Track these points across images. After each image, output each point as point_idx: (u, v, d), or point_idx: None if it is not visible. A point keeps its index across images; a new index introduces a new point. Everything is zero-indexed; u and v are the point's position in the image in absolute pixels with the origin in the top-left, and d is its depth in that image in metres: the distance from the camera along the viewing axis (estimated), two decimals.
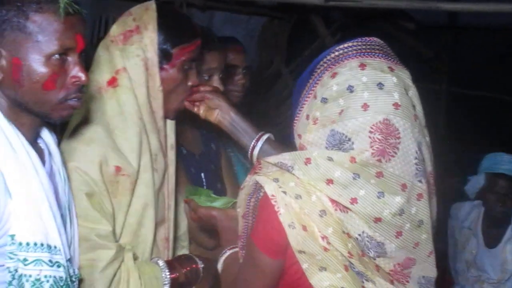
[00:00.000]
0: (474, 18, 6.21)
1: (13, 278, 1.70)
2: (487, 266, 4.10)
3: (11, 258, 1.70)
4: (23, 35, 1.68)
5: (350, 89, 1.85)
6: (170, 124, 2.37)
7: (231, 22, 5.73)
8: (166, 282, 2.23)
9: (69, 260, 1.84)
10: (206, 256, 2.48)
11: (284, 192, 1.87)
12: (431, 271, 2.02)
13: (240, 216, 2.13)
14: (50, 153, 1.90)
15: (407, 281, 1.98)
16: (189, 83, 2.30)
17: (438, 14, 6.21)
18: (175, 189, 2.40)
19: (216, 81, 2.59)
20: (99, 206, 2.11)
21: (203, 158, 2.75)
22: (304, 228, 1.87)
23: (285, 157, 1.93)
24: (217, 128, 2.51)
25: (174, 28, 2.24)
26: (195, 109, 2.45)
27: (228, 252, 2.25)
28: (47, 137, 1.90)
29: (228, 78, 3.01)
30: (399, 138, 1.82)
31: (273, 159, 1.98)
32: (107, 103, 2.19)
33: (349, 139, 1.82)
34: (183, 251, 2.50)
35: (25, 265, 1.70)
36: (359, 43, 1.95)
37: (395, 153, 1.82)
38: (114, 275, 2.11)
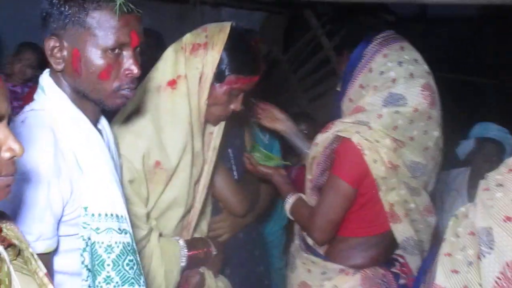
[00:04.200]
0: (442, 10, 6.27)
1: (87, 245, 1.71)
2: None
3: (84, 228, 1.70)
4: (83, 30, 1.67)
5: (400, 64, 2.35)
6: (218, 130, 2.38)
7: (236, 17, 5.73)
8: (184, 259, 2.30)
9: (132, 228, 1.84)
10: (236, 222, 2.66)
11: (366, 140, 2.32)
12: None
13: (315, 164, 2.50)
14: (107, 135, 1.90)
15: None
16: (232, 107, 2.29)
17: (412, 7, 6.31)
18: (209, 183, 2.43)
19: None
20: (138, 191, 2.14)
21: (229, 136, 2.72)
22: (383, 161, 2.32)
23: (360, 116, 2.37)
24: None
25: (237, 56, 2.22)
26: (260, 120, 2.82)
27: (292, 197, 2.60)
28: (103, 121, 1.90)
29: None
30: (435, 92, 2.37)
31: (350, 119, 2.40)
32: (162, 101, 2.20)
33: (404, 97, 2.32)
34: (201, 228, 2.52)
35: (98, 233, 1.71)
36: (390, 34, 2.46)
37: (436, 102, 2.37)
38: (140, 252, 2.11)
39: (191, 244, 2.33)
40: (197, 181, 2.34)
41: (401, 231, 2.43)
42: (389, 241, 2.45)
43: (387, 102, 2.34)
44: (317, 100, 6.04)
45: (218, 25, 2.25)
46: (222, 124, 2.37)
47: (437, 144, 2.44)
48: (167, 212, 2.26)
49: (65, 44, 1.69)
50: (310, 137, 3.61)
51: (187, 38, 2.24)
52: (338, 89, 2.55)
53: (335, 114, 2.56)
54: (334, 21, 6.22)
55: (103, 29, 1.67)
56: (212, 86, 2.21)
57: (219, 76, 2.21)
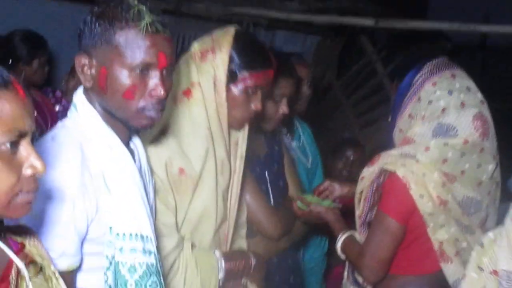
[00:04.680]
0: (502, 39, 6.09)
1: (111, 264, 1.69)
2: None
3: (109, 247, 1.69)
4: (111, 48, 1.66)
5: (450, 93, 2.25)
6: (243, 137, 2.35)
7: (290, 41, 5.72)
8: (221, 271, 2.24)
9: (157, 248, 1.81)
10: (270, 246, 2.61)
11: (412, 173, 2.22)
12: None
13: (363, 199, 2.42)
14: (139, 155, 1.87)
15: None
16: (252, 107, 2.25)
17: (472, 36, 6.13)
18: (240, 192, 2.38)
19: (284, 104, 2.59)
20: (164, 200, 2.10)
21: (267, 159, 2.72)
22: (430, 197, 2.22)
23: (407, 149, 2.28)
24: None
25: (245, 54, 2.21)
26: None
27: (344, 236, 2.51)
28: (135, 139, 1.88)
29: (296, 89, 3.05)
30: (488, 123, 2.26)
31: (397, 151, 2.33)
32: (180, 111, 2.19)
33: (454, 128, 2.23)
34: (240, 244, 2.46)
35: (122, 253, 1.70)
36: (441, 61, 2.34)
37: (489, 133, 2.26)
38: (174, 261, 2.10)
39: (229, 256, 2.29)
40: (227, 192, 2.31)
41: (452, 272, 2.29)
42: (441, 281, 2.32)
43: (435, 133, 2.25)
44: (369, 127, 5.95)
45: (223, 29, 2.25)
46: (246, 132, 2.34)
47: (492, 177, 2.32)
48: (200, 226, 2.22)
49: (94, 62, 1.68)
50: (355, 163, 3.57)
51: (195, 47, 2.25)
52: (390, 120, 2.47)
53: (388, 144, 2.49)
54: (390, 48, 6.16)
55: (130, 49, 1.65)
56: (227, 88, 2.19)
57: (232, 76, 2.19)
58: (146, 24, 1.65)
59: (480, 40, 7.27)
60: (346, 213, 2.69)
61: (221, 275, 2.23)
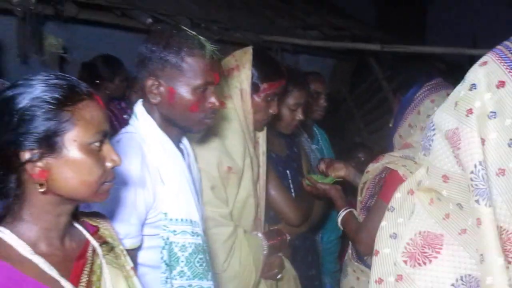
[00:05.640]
0: None
1: (165, 244, 1.72)
2: None
3: (164, 230, 1.72)
4: (178, 71, 1.69)
5: None
6: (263, 136, 2.36)
7: (311, 63, 5.69)
8: (265, 248, 2.28)
9: (204, 231, 1.82)
10: (291, 231, 2.58)
11: (411, 172, 2.15)
12: None
13: (365, 189, 2.40)
14: (188, 153, 1.89)
15: None
16: (271, 111, 2.27)
17: (462, 57, 6.06)
18: (266, 184, 2.39)
19: (300, 112, 2.59)
20: (219, 195, 2.12)
21: (288, 159, 2.72)
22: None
23: (407, 152, 2.24)
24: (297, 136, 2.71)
25: (264, 68, 2.23)
26: (327, 171, 2.69)
27: (345, 212, 2.48)
28: (185, 141, 1.90)
29: (314, 101, 3.14)
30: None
31: (398, 153, 2.27)
32: (220, 119, 2.20)
33: None
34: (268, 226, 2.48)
35: (174, 234, 1.72)
36: (439, 81, 2.29)
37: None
38: (232, 245, 2.14)
39: (267, 235, 2.32)
40: (257, 183, 2.32)
41: None
42: None
43: None
44: (376, 133, 5.91)
45: (242, 50, 2.26)
46: (265, 133, 2.36)
47: None
48: (244, 211, 2.24)
49: (162, 82, 1.70)
50: (365, 164, 3.54)
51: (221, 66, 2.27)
52: (390, 125, 2.46)
53: (389, 146, 2.49)
54: (393, 68, 6.10)
55: (194, 71, 1.69)
56: (251, 97, 2.21)
57: (254, 88, 2.21)
58: (210, 52, 1.71)
59: (469, 59, 7.20)
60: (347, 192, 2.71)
61: (265, 251, 2.26)
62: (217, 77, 1.75)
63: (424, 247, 1.16)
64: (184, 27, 1.76)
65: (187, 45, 1.69)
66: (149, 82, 1.71)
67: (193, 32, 1.73)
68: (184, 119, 1.74)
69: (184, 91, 1.70)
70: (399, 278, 1.16)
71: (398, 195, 1.33)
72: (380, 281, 1.22)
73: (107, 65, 3.85)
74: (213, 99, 1.74)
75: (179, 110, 1.72)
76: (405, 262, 1.17)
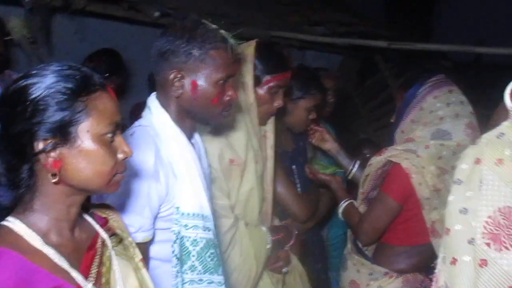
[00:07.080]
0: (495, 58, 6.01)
1: (177, 238, 1.71)
2: None
3: (176, 224, 1.71)
4: (202, 64, 1.69)
5: (447, 105, 2.27)
6: (270, 130, 2.35)
7: (318, 59, 5.66)
8: (269, 242, 2.27)
9: (214, 225, 1.81)
10: (298, 226, 2.58)
11: (414, 165, 2.24)
12: None
13: (367, 181, 2.44)
14: (199, 148, 1.88)
15: None
16: (275, 104, 2.25)
17: (467, 55, 6.05)
18: (274, 177, 2.39)
19: (314, 112, 2.62)
20: (220, 186, 2.11)
21: (294, 154, 2.72)
22: (427, 185, 2.24)
23: (410, 145, 2.30)
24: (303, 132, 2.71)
25: (267, 61, 2.22)
26: (313, 140, 2.71)
27: (346, 203, 2.53)
28: (197, 136, 1.90)
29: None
30: (477, 130, 2.23)
31: (401, 147, 2.32)
32: None
33: (449, 133, 2.25)
34: (275, 222, 2.47)
35: (186, 229, 1.72)
36: (441, 77, 2.34)
37: (477, 138, 2.22)
38: (232, 237, 2.12)
39: (273, 229, 2.32)
40: (263, 177, 2.31)
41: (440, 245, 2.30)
42: (430, 252, 2.35)
43: (434, 136, 2.29)
44: (381, 130, 5.88)
45: (247, 43, 2.24)
46: (272, 126, 2.34)
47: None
48: (248, 204, 2.22)
49: (185, 75, 1.70)
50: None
51: None
52: (392, 120, 2.48)
53: (391, 141, 2.50)
54: (400, 65, 6.08)
55: (217, 65, 1.70)
56: (254, 90, 2.20)
57: (257, 81, 2.20)
58: (232, 46, 1.72)
59: (475, 58, 7.16)
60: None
61: (269, 245, 2.25)
62: (236, 70, 1.76)
63: (510, 228, 1.03)
64: (205, 21, 1.75)
65: (211, 38, 1.69)
66: (172, 75, 1.70)
67: (215, 26, 1.73)
68: (204, 111, 1.74)
69: (207, 84, 1.70)
70: (483, 263, 1.05)
71: (464, 166, 1.18)
72: (454, 261, 1.13)
73: (113, 58, 3.81)
74: (231, 92, 1.75)
75: (201, 103, 1.72)
76: (488, 244, 1.05)
